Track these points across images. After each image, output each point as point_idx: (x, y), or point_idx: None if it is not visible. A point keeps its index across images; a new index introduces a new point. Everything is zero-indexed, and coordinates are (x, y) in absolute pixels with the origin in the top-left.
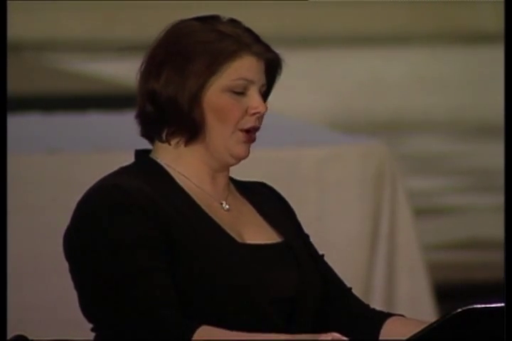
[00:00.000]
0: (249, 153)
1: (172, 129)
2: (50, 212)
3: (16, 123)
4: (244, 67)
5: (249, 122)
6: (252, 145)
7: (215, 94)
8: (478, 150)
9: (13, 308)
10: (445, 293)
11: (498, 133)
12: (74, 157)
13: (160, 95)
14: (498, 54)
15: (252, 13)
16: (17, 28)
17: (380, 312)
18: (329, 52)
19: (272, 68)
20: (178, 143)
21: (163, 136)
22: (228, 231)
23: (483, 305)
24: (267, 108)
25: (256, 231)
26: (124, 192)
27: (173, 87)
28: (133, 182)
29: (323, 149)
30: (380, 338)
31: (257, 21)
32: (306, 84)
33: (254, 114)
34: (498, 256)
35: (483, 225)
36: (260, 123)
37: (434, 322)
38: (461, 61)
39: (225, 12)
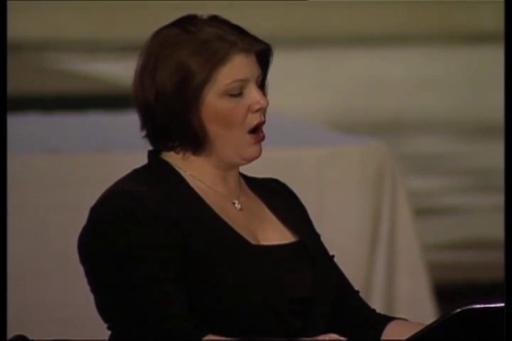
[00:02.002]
0: (261, 152)
1: (176, 143)
2: (50, 212)
3: (15, 123)
4: (236, 69)
5: (254, 119)
6: None
7: (213, 101)
8: (478, 150)
9: (13, 308)
10: (445, 293)
11: (498, 133)
12: (74, 157)
13: (155, 108)
14: (498, 54)
15: (252, 13)
16: (17, 28)
17: (384, 316)
18: (329, 52)
19: (263, 57)
20: (185, 154)
21: (170, 148)
22: (241, 232)
23: (482, 305)
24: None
25: (269, 231)
26: (135, 200)
27: (166, 100)
28: (145, 188)
29: (323, 149)
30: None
31: (257, 21)
32: (306, 84)
33: (257, 110)
34: (498, 256)
35: (483, 225)
36: (264, 116)
37: (434, 322)
38: (461, 61)
39: (225, 12)
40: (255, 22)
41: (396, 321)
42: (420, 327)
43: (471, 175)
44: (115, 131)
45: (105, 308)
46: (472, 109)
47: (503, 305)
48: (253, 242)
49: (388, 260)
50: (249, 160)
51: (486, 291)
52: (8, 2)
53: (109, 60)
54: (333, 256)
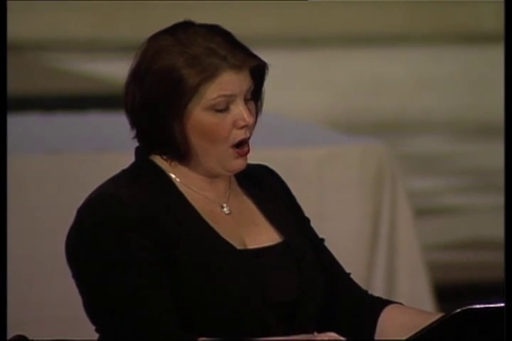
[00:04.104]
0: (246, 164)
1: (162, 150)
2: (50, 212)
3: (16, 123)
4: (224, 84)
5: (238, 136)
6: (253, 145)
7: (197, 115)
8: (478, 150)
9: (13, 308)
10: (445, 293)
11: (498, 133)
12: (74, 157)
13: (140, 113)
14: (498, 54)
15: (252, 13)
16: (17, 28)
17: (378, 299)
18: (329, 52)
19: (257, 72)
20: (172, 162)
21: (156, 153)
22: (228, 237)
23: (482, 305)
24: (255, 119)
25: (257, 233)
26: (122, 205)
27: (152, 105)
28: (132, 191)
29: (323, 149)
30: (378, 326)
31: (257, 21)
32: (306, 84)
33: (242, 127)
34: (498, 256)
35: (483, 225)
36: (250, 133)
37: (434, 322)
38: (461, 61)
39: (225, 12)
40: (256, 22)
41: (392, 305)
42: (416, 312)
43: (471, 175)
44: (115, 131)
45: (92, 312)
46: (472, 109)
47: (503, 305)
48: (239, 247)
49: (388, 260)
50: (233, 172)
51: (486, 291)
52: (8, 2)
53: (109, 60)
54: (323, 240)
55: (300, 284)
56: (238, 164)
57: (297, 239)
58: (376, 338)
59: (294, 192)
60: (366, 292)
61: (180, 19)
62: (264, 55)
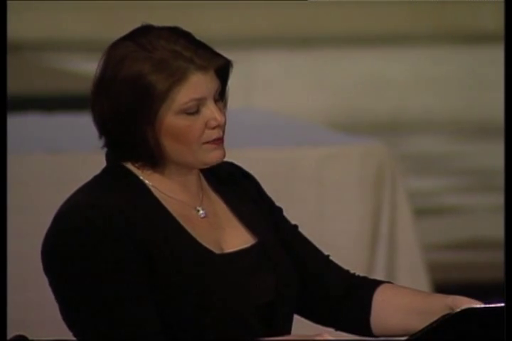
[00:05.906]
0: (225, 154)
1: (132, 158)
2: (50, 212)
3: (16, 123)
4: (193, 87)
5: (212, 135)
6: (253, 145)
7: (168, 119)
8: (478, 150)
9: (13, 308)
10: (445, 293)
11: (498, 133)
12: (74, 157)
13: (109, 122)
14: (498, 54)
15: (252, 13)
16: (17, 28)
17: (366, 280)
18: (329, 52)
19: (222, 71)
20: (144, 168)
21: (127, 160)
22: (205, 243)
23: (482, 305)
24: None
25: (232, 236)
26: (100, 214)
27: (121, 114)
28: (108, 200)
29: (323, 149)
30: (372, 308)
31: (258, 21)
32: (306, 84)
33: (214, 127)
34: (498, 256)
35: (483, 225)
36: (223, 131)
37: (434, 322)
38: (461, 61)
39: (225, 12)
40: (255, 22)
41: (384, 286)
42: (409, 293)
43: (471, 175)
44: None
45: (70, 320)
46: (472, 109)
47: (503, 305)
48: (217, 251)
49: (388, 260)
50: (214, 163)
51: (486, 291)
52: (8, 2)
53: None
54: (296, 227)
55: (277, 285)
56: (216, 154)
57: (271, 240)
58: (372, 321)
59: (294, 192)
60: (348, 271)
61: (181, 19)
62: (264, 55)
